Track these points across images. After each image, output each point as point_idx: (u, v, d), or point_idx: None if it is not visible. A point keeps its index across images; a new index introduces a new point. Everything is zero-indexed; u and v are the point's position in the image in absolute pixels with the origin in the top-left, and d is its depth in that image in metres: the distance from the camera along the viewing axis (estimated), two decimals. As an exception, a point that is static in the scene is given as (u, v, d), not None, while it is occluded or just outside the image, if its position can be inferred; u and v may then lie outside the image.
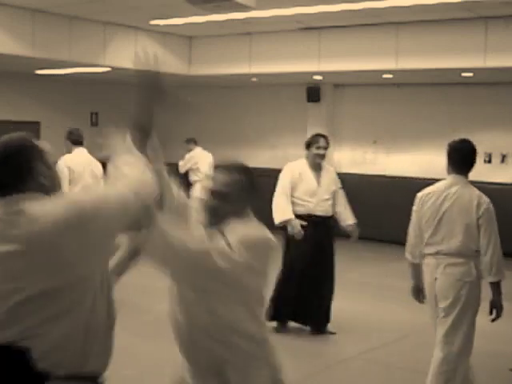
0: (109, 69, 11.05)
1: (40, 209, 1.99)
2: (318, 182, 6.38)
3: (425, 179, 11.93)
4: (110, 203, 2.07)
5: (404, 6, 8.30)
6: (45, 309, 1.89)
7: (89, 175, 7.36)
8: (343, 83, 12.59)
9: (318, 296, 6.20)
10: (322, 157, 6.44)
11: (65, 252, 1.90)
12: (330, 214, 6.39)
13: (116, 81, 13.98)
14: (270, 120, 13.43)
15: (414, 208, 4.55)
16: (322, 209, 6.32)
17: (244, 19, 9.30)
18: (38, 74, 12.50)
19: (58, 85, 13.53)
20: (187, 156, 11.93)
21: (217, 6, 7.06)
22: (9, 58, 9.72)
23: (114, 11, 9.41)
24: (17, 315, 1.88)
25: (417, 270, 4.59)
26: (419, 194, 4.55)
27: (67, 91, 13.85)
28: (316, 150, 6.39)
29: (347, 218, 6.45)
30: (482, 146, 11.31)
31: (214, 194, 2.67)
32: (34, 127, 13.48)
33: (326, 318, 6.31)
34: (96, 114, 14.52)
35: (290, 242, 6.24)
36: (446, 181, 4.49)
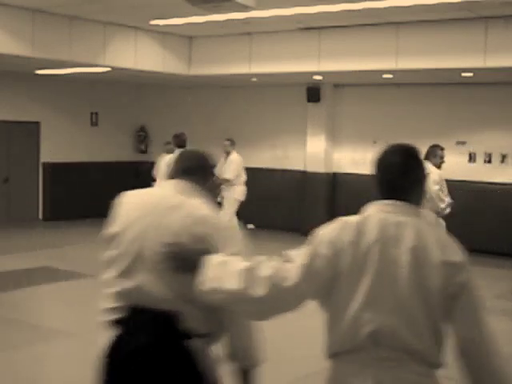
0: (109, 69, 11.05)
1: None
2: None
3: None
4: None
5: (404, 6, 8.30)
6: None
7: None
8: (343, 83, 12.59)
9: None
10: None
11: None
12: None
13: (116, 81, 14.00)
14: (270, 120, 13.43)
15: None
16: None
17: (244, 19, 9.30)
18: (38, 74, 12.49)
19: (58, 85, 13.54)
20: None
21: (217, 6, 7.05)
22: (9, 57, 9.72)
23: (114, 11, 9.41)
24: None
25: None
26: None
27: (67, 91, 13.85)
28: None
29: None
30: (482, 146, 11.36)
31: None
32: (34, 127, 13.50)
33: None
34: (96, 113, 14.52)
35: None
36: None
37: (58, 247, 10.73)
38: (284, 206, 13.20)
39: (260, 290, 2.19)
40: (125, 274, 2.44)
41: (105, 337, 2.45)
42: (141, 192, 2.67)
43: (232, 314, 2.41)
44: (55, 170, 13.69)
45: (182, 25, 10.03)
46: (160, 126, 14.94)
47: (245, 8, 7.12)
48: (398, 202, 2.24)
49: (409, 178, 2.27)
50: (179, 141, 9.56)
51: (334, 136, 12.82)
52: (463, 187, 11.30)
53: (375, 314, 2.13)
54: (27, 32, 9.41)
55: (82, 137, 14.18)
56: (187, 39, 11.61)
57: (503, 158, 11.15)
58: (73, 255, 10.02)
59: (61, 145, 13.80)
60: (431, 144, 7.98)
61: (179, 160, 2.69)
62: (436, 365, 2.19)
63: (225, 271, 2.27)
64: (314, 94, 12.55)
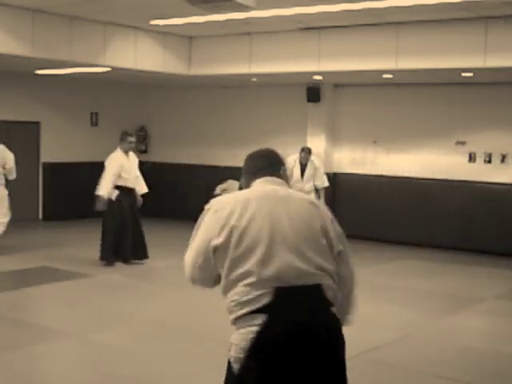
0: (109, 69, 11.05)
1: None
2: None
3: (425, 179, 11.98)
4: None
5: (404, 6, 8.30)
6: None
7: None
8: (343, 83, 12.59)
9: None
10: None
11: None
12: None
13: (116, 81, 14.00)
14: (270, 120, 13.43)
15: None
16: None
17: (244, 19, 9.30)
18: (38, 74, 12.49)
19: (58, 85, 13.54)
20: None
21: (217, 6, 7.06)
22: (9, 57, 9.72)
23: (114, 11, 9.41)
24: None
25: None
26: None
27: (67, 91, 13.85)
28: None
29: None
30: (482, 146, 11.36)
31: None
32: (34, 127, 13.49)
33: None
34: (96, 113, 14.52)
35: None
36: None
37: (57, 247, 10.73)
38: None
39: None
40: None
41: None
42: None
43: (344, 281, 2.80)
44: (55, 170, 13.68)
45: (182, 25, 10.03)
46: (160, 125, 14.94)
47: (245, 8, 7.13)
48: None
49: None
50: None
51: (334, 136, 12.82)
52: (463, 187, 11.31)
53: None
54: (27, 32, 9.41)
55: (82, 137, 14.17)
56: (187, 39, 11.62)
57: (503, 157, 11.15)
58: (73, 255, 10.02)
59: (61, 145, 13.80)
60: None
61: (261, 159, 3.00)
62: None
63: None
64: (314, 94, 12.55)
